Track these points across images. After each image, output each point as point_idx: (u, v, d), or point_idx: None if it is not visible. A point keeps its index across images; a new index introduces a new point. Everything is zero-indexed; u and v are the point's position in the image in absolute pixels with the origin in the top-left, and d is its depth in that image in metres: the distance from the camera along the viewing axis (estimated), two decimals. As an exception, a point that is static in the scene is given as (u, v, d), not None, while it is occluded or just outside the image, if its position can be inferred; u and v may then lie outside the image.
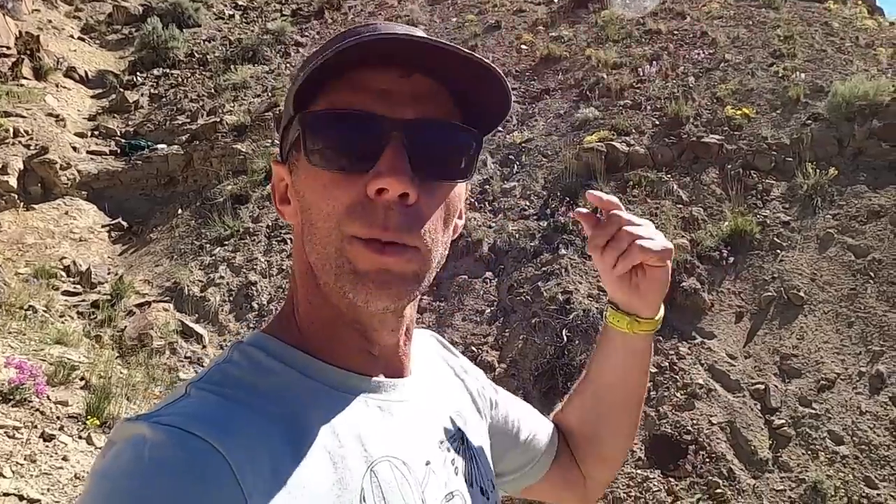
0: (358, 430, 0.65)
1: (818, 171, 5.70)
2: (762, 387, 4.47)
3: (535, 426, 0.96)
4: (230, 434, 0.56)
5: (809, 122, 6.25)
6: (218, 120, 9.10)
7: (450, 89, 0.66)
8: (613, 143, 6.58)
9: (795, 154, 6.01)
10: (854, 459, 4.03)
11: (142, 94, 10.59)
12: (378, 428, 0.67)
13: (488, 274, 5.99)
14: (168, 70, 11.06)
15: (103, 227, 8.38)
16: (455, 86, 0.66)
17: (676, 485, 4.12)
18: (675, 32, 8.37)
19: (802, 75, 6.81)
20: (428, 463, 0.70)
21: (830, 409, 4.28)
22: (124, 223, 8.42)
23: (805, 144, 6.01)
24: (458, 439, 0.78)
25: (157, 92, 10.62)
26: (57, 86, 10.31)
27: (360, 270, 0.62)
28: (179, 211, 8.35)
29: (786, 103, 6.58)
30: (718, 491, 3.99)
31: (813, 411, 4.29)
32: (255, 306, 6.66)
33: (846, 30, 7.78)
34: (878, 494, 3.86)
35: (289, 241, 7.29)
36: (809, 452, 4.11)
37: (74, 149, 9.02)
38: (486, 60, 0.62)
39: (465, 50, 0.61)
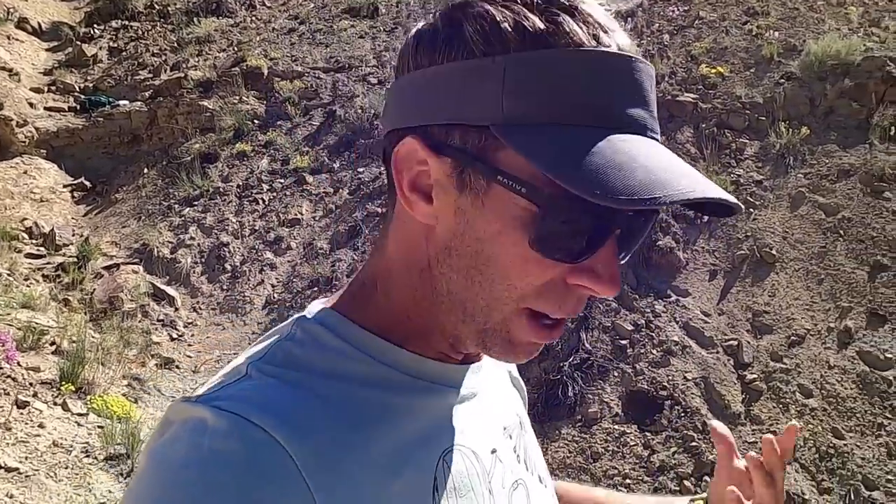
0: (432, 419, 0.63)
1: (790, 130, 5.76)
2: (735, 343, 4.59)
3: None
4: (294, 426, 0.53)
5: (783, 80, 6.29)
6: (182, 75, 8.79)
7: None
8: (589, 101, 6.55)
9: (769, 113, 6.06)
10: (822, 412, 4.18)
11: (100, 48, 10.16)
12: (450, 415, 0.65)
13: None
14: (127, 22, 10.60)
15: (65, 186, 8.11)
16: None
17: (653, 439, 4.23)
18: (650, -12, 8.28)
19: (776, 34, 6.82)
20: (494, 451, 0.68)
21: (800, 363, 4.41)
22: (87, 183, 8.16)
23: (778, 104, 6.05)
24: (518, 425, 0.76)
25: (116, 45, 10.19)
26: (8, 38, 9.82)
27: (516, 341, 0.59)
28: (145, 170, 8.11)
29: (759, 62, 6.60)
30: (693, 444, 4.12)
31: (784, 366, 4.42)
32: (228, 268, 6.56)
33: (819, -13, 7.79)
34: (844, 444, 4.02)
35: (261, 202, 7.15)
36: (780, 405, 4.25)
37: (31, 105, 8.65)
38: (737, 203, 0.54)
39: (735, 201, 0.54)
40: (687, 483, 3.98)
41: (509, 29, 0.54)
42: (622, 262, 0.59)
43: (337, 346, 0.61)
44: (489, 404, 0.71)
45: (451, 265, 0.58)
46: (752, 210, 5.39)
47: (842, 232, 5.05)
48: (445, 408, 0.65)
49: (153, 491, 0.50)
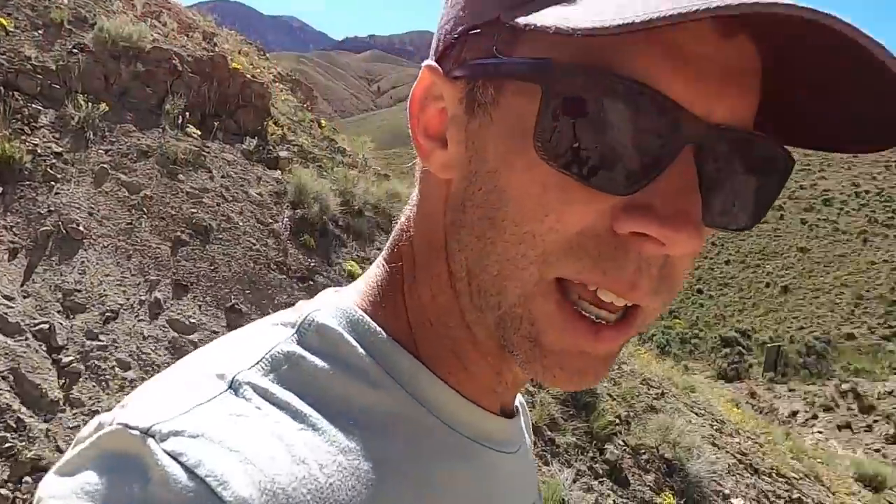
0: (469, 492, 0.47)
1: (89, 104, 5.64)
2: (46, 326, 4.24)
3: None
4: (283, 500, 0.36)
5: (76, 51, 6.07)
6: None
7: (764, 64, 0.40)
8: None
9: (64, 82, 5.75)
10: (140, 381, 4.34)
11: None
12: (487, 492, 0.49)
13: None
14: None
15: None
16: (788, 63, 0.39)
17: None
18: None
19: (66, 0, 6.50)
20: None
21: (117, 338, 4.44)
22: None
23: (74, 74, 5.82)
24: (538, 498, 0.61)
25: None
26: None
27: (546, 345, 0.41)
28: None
29: (48, 25, 6.17)
30: (7, 446, 3.62)
31: (100, 343, 4.36)
32: None
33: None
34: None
35: None
36: (100, 384, 4.19)
37: None
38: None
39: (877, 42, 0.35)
40: (4, 491, 3.48)
41: None
42: (728, 229, 0.41)
43: (364, 369, 0.44)
44: (526, 469, 0.57)
45: (465, 224, 0.43)
46: (53, 183, 5.04)
47: (145, 209, 5.30)
48: (485, 481, 0.48)
49: None
